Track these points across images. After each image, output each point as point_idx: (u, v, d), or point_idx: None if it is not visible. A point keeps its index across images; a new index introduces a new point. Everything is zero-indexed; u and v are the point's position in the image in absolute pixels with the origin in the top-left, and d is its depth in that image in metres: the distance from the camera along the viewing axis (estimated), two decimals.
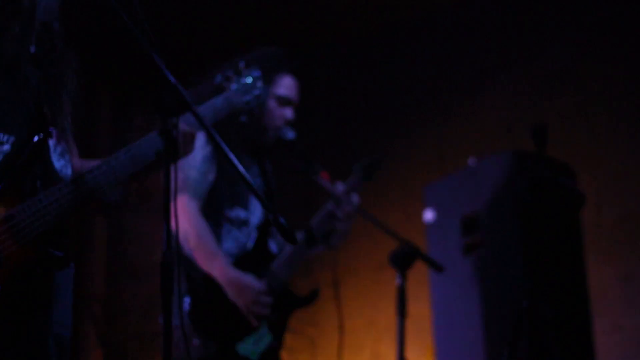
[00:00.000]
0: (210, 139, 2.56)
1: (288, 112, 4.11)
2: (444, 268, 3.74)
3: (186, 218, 3.73)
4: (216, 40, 6.68)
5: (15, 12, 2.72)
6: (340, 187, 3.98)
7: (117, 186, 2.73)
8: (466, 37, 6.65)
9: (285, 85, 4.13)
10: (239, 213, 3.99)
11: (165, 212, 2.41)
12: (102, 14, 2.56)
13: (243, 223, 4.00)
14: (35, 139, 2.65)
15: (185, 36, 6.90)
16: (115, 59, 6.29)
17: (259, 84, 3.26)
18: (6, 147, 2.60)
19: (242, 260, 3.91)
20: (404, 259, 3.65)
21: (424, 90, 6.83)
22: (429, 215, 5.26)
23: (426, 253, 3.68)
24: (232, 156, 2.50)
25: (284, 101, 4.10)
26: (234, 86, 3.20)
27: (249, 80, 3.24)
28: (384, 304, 6.30)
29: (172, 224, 2.39)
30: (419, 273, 5.06)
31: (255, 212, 4.06)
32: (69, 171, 2.76)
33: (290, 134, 4.06)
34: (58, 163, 2.72)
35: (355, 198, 3.99)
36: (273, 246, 4.09)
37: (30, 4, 2.74)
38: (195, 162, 3.82)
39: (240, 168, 2.52)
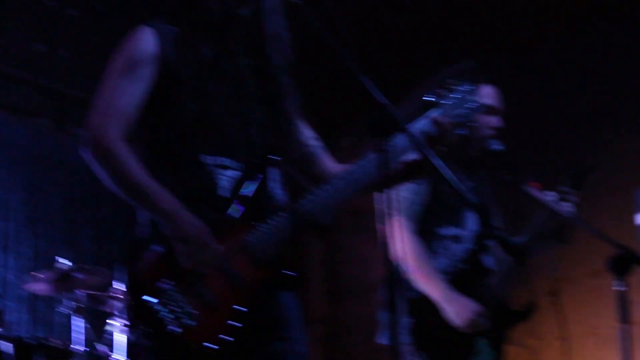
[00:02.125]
0: (424, 157, 2.63)
1: (494, 121, 4.14)
2: None
3: (402, 240, 3.82)
4: (411, 61, 6.76)
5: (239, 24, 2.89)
6: (550, 196, 3.96)
7: (332, 208, 2.82)
8: None
9: (487, 95, 4.15)
10: (452, 230, 4.03)
11: (382, 233, 2.45)
12: (309, 37, 2.67)
13: (457, 240, 4.03)
14: (261, 165, 2.84)
15: (383, 57, 7.05)
16: (321, 80, 6.55)
17: (472, 96, 3.21)
18: (231, 172, 2.79)
19: (457, 278, 3.96)
20: (622, 264, 3.55)
21: (631, 92, 6.64)
22: None
23: None
24: (448, 173, 2.56)
25: (488, 110, 4.12)
26: (445, 102, 3.16)
27: (461, 94, 3.19)
28: (605, 311, 6.15)
29: (389, 245, 2.44)
30: None
31: (470, 228, 4.07)
32: (286, 199, 2.90)
33: (497, 145, 4.06)
34: (276, 191, 2.87)
35: (566, 206, 3.96)
36: (488, 261, 4.09)
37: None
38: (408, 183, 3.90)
39: (457, 184, 2.59)
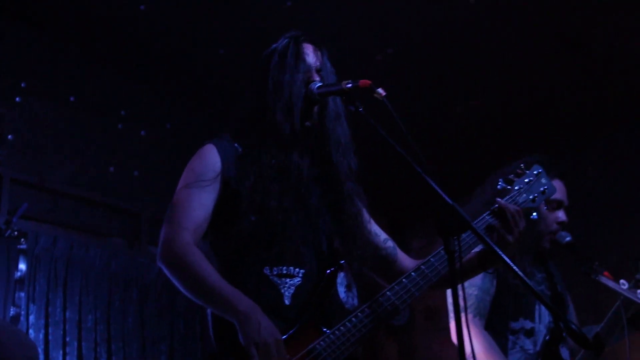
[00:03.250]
0: (494, 254, 2.66)
1: (561, 215, 4.15)
2: None
3: (472, 336, 3.75)
4: (478, 159, 6.85)
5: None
6: (624, 284, 3.94)
7: (405, 307, 2.88)
8: None
9: (556, 189, 4.14)
10: (524, 324, 4.00)
11: (456, 332, 2.50)
12: (375, 142, 2.76)
13: (529, 333, 4.00)
14: (328, 272, 2.90)
15: (451, 155, 7.14)
16: (390, 184, 6.62)
17: (543, 179, 3.26)
18: (297, 280, 2.85)
19: None
20: None
21: None
22: None
23: None
24: (515, 268, 2.58)
25: (555, 205, 4.14)
26: (516, 187, 3.21)
27: (532, 178, 3.24)
28: None
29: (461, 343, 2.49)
30: None
31: (544, 321, 4.05)
32: (355, 302, 2.95)
33: (567, 238, 4.07)
34: (344, 295, 2.92)
35: None
36: (564, 353, 4.04)
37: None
38: (476, 279, 3.90)
39: (525, 279, 2.59)
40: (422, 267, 2.90)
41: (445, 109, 6.92)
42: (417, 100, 6.64)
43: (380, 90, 2.79)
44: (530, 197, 3.21)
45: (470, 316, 3.87)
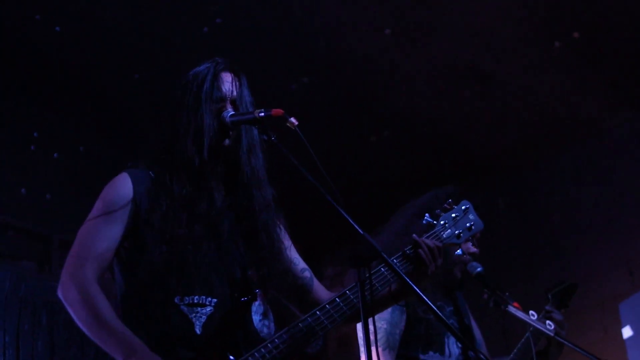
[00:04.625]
0: (405, 284, 2.68)
1: (471, 247, 4.12)
2: None
3: None
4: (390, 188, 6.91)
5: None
6: (534, 315, 4.00)
7: (320, 336, 2.87)
8: None
9: None
10: (434, 357, 3.98)
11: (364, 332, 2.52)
12: (289, 171, 2.78)
13: None
14: (242, 300, 2.88)
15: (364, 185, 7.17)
16: (304, 212, 6.63)
17: (471, 215, 3.27)
18: (209, 309, 2.83)
19: None
20: None
21: (609, 206, 6.79)
22: (628, 331, 5.14)
23: None
24: (428, 301, 2.59)
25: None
26: (442, 222, 3.20)
27: (459, 213, 3.24)
28: None
29: None
30: None
31: (454, 354, 4.04)
32: (271, 331, 2.94)
33: (478, 268, 4.08)
34: (259, 324, 2.91)
35: (550, 325, 3.98)
36: None
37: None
38: (384, 313, 3.88)
39: (437, 311, 2.62)
40: (337, 299, 2.90)
41: (359, 139, 6.96)
42: (332, 129, 6.67)
43: (292, 119, 2.79)
44: (456, 232, 3.21)
45: (380, 349, 3.84)
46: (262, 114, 2.85)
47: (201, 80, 3.02)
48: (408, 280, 2.67)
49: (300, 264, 3.17)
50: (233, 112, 2.97)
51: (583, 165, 7.02)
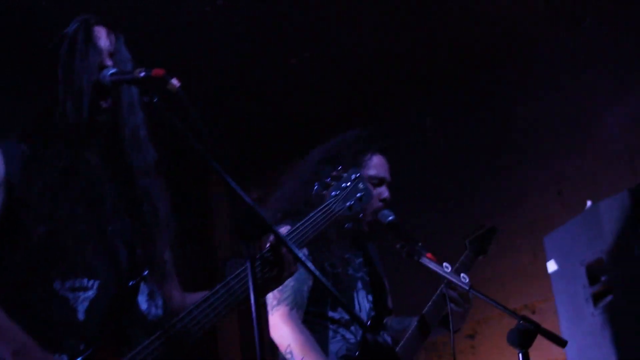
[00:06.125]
0: (295, 257, 2.59)
1: (383, 192, 4.01)
2: (566, 342, 3.50)
3: (288, 330, 3.61)
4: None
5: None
6: (448, 267, 3.81)
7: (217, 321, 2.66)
8: (580, 69, 6.40)
9: (375, 165, 4.02)
10: (343, 314, 3.81)
11: (256, 322, 2.35)
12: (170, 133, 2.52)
13: (349, 324, 3.83)
14: (130, 283, 2.67)
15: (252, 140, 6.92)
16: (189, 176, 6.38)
17: (361, 185, 3.12)
18: (91, 293, 2.62)
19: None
20: (523, 337, 3.43)
21: (542, 125, 6.61)
22: (552, 265, 5.03)
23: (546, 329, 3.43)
24: (311, 267, 2.51)
25: (376, 181, 3.99)
26: (333, 193, 3.05)
27: (349, 183, 3.09)
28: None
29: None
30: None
31: (364, 309, 3.91)
32: (159, 312, 2.74)
33: (390, 217, 3.91)
34: (146, 305, 2.71)
35: (465, 278, 3.79)
36: (387, 339, 3.93)
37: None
38: None
39: (321, 277, 2.52)
40: (230, 282, 2.68)
41: (274, 64, 6.61)
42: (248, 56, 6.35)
43: (174, 81, 2.53)
44: (347, 204, 3.06)
45: (287, 309, 3.67)
46: (143, 73, 2.61)
47: (74, 36, 2.78)
48: (294, 248, 2.55)
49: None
50: (113, 71, 2.73)
51: (517, 82, 6.79)
